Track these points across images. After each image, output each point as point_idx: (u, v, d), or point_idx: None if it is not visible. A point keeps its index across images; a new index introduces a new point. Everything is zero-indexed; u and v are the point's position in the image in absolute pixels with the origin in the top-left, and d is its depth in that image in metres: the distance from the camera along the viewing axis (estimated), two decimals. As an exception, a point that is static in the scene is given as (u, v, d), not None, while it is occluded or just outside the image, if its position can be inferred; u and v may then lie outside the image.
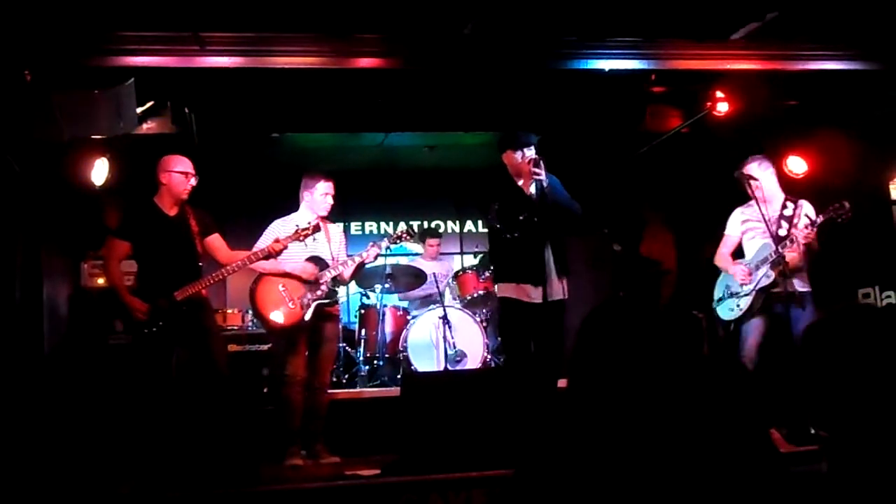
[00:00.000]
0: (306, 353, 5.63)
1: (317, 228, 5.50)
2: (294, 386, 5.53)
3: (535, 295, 5.27)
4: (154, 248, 5.28)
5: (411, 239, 6.29)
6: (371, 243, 5.90)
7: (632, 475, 1.63)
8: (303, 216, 5.75)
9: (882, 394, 1.62)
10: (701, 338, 6.93)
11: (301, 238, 5.45)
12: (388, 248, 6.07)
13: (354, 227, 9.77)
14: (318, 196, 5.74)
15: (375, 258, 5.95)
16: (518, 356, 5.41)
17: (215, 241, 5.50)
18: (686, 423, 1.67)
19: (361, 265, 5.87)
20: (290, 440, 5.52)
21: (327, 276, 5.65)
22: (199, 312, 5.31)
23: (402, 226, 6.21)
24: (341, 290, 7.98)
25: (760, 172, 5.87)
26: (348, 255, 5.92)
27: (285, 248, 5.43)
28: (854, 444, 1.63)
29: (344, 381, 7.45)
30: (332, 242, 5.84)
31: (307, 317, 5.56)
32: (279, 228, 5.66)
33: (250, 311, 7.00)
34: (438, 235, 8.69)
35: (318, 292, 5.61)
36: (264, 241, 5.60)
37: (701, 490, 1.62)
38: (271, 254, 5.39)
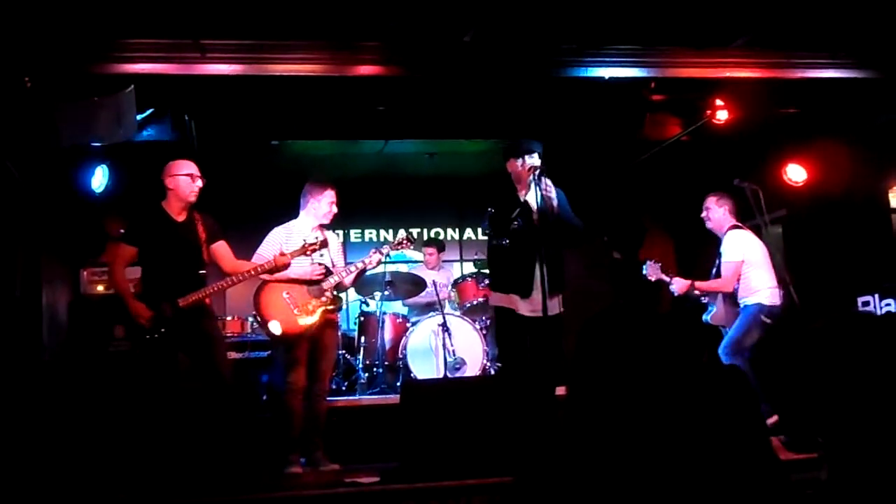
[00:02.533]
0: (307, 361, 5.62)
1: (324, 244, 5.51)
2: (295, 393, 5.53)
3: (522, 307, 5.29)
4: (160, 253, 5.24)
5: (412, 245, 6.29)
6: (373, 250, 5.91)
7: (632, 483, 1.63)
8: (304, 223, 5.76)
9: (881, 402, 1.62)
10: (701, 345, 6.94)
11: (308, 253, 5.45)
12: (388, 254, 6.09)
13: (354, 234, 9.78)
14: (325, 204, 5.74)
15: (377, 264, 5.96)
16: (511, 363, 5.43)
17: (221, 249, 5.44)
18: (686, 430, 1.67)
19: (363, 271, 5.88)
20: (289, 448, 5.51)
21: (331, 282, 5.65)
22: (202, 319, 5.27)
23: (401, 233, 6.22)
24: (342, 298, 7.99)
25: (714, 207, 6.39)
26: (348, 262, 5.93)
27: (289, 262, 5.40)
28: (853, 453, 1.63)
29: (343, 388, 7.44)
30: (330, 250, 5.84)
31: (314, 324, 5.55)
32: (280, 235, 5.67)
33: (251, 318, 7.01)
34: (435, 245, 8.65)
35: (323, 299, 5.62)
36: (265, 249, 5.61)
37: (701, 498, 1.61)
38: (277, 268, 5.38)
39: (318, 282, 5.66)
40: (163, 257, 5.24)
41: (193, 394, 5.23)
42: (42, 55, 5.53)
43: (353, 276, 5.80)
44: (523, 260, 5.27)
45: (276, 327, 5.49)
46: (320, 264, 5.66)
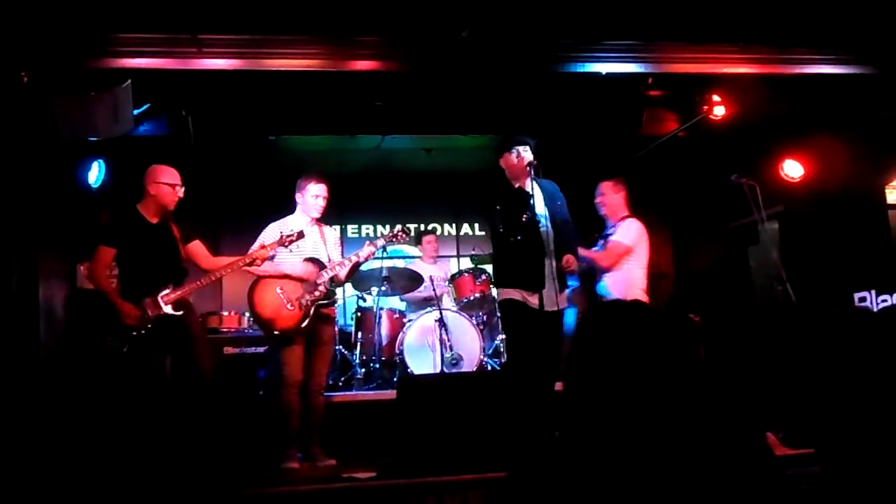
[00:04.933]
0: (303, 356, 5.63)
1: (301, 235, 5.53)
2: (291, 388, 5.53)
3: (532, 301, 5.27)
4: (138, 254, 5.31)
5: (407, 238, 6.29)
6: (367, 242, 5.92)
7: (628, 478, 1.63)
8: (298, 219, 5.78)
9: (876, 397, 1.62)
10: (697, 341, 6.95)
11: (285, 244, 5.48)
12: (383, 247, 6.08)
13: (351, 229, 9.77)
14: (310, 198, 5.76)
15: (371, 257, 5.96)
16: (519, 356, 5.40)
17: (197, 248, 5.54)
18: (681, 426, 1.67)
19: (357, 265, 5.88)
20: (286, 443, 5.52)
21: (324, 276, 5.65)
22: (184, 317, 5.34)
23: (398, 226, 6.22)
24: (337, 294, 7.98)
25: (611, 193, 6.30)
26: (344, 256, 5.92)
27: (269, 255, 5.47)
28: (848, 447, 1.63)
29: (340, 383, 7.43)
30: (327, 244, 5.85)
31: (306, 319, 5.56)
32: (274, 231, 5.68)
33: (247, 314, 7.00)
34: (433, 232, 8.69)
35: (316, 293, 5.61)
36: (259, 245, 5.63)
37: (696, 493, 1.62)
38: (256, 261, 5.42)
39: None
40: (141, 258, 5.30)
41: (180, 390, 5.26)
42: (39, 50, 5.52)
43: (347, 269, 5.78)
44: (534, 255, 5.24)
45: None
46: (312, 260, 5.67)
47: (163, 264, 5.33)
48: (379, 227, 9.75)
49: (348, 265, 5.77)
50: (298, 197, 5.81)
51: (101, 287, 5.30)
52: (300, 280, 5.62)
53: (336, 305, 6.02)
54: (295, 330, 5.55)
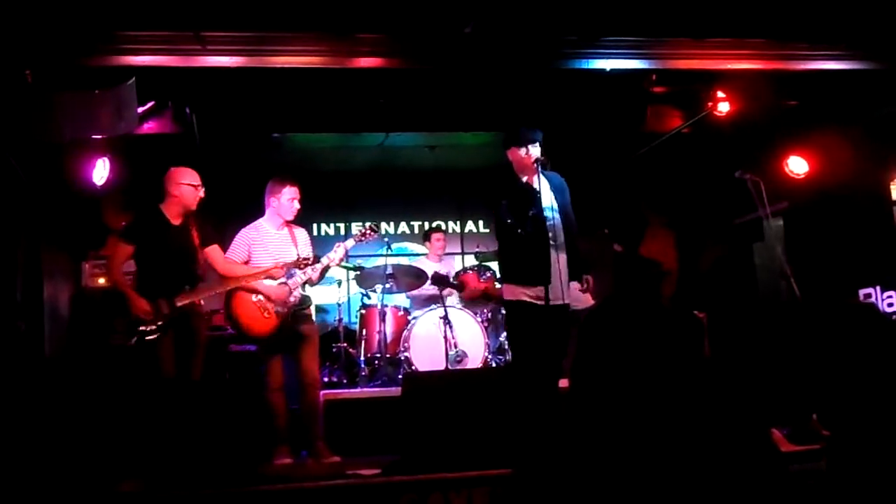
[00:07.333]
0: (284, 359, 5.75)
1: (316, 260, 5.72)
2: (274, 392, 5.68)
3: (537, 296, 5.25)
4: (155, 254, 5.45)
5: (376, 235, 6.34)
6: (337, 244, 5.98)
7: (633, 475, 1.63)
8: (269, 221, 5.86)
9: (880, 393, 1.62)
10: (702, 338, 6.92)
11: (301, 266, 5.65)
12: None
13: (356, 227, 9.75)
14: (285, 201, 5.83)
15: (343, 260, 6.03)
16: (525, 358, 5.37)
17: (213, 253, 5.70)
18: (687, 422, 1.67)
19: (328, 267, 5.93)
20: (276, 441, 5.62)
21: (297, 280, 5.70)
22: (192, 320, 5.51)
23: (362, 226, 6.28)
24: (342, 291, 7.99)
25: None
26: (316, 256, 5.94)
27: (283, 272, 5.65)
28: (853, 443, 1.63)
29: (345, 381, 7.44)
30: (298, 245, 5.88)
31: (282, 325, 5.68)
32: (248, 236, 5.81)
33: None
34: (441, 230, 8.71)
35: (292, 299, 5.73)
36: (236, 251, 5.77)
37: (701, 489, 1.62)
38: (272, 278, 5.62)
39: (284, 282, 5.73)
40: (158, 258, 5.45)
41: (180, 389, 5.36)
42: (43, 48, 5.53)
43: (318, 272, 5.85)
44: (539, 249, 5.22)
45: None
46: (284, 272, 5.73)
47: (180, 266, 5.49)
48: (383, 225, 9.75)
49: (319, 269, 5.83)
50: (272, 200, 5.86)
51: (116, 281, 5.48)
52: (270, 295, 5.70)
53: (311, 305, 6.12)
54: (272, 337, 5.67)
